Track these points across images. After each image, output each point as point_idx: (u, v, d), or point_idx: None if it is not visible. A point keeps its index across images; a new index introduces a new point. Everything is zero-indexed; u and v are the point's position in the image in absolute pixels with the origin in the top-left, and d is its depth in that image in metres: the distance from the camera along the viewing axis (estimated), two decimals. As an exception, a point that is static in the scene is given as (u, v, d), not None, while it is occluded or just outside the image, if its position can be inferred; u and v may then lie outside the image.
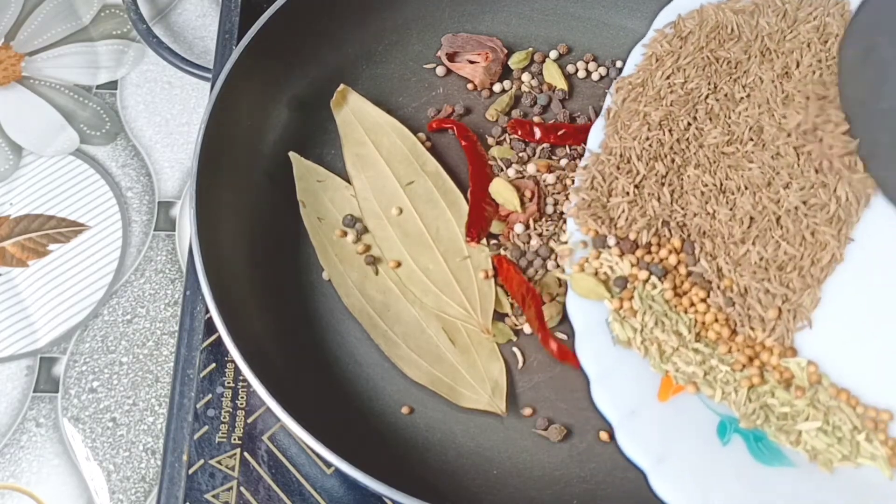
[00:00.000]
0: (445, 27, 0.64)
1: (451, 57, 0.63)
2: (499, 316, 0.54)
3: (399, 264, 0.55)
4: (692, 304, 0.50)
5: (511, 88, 0.62)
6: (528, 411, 0.52)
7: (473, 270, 0.54)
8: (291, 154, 0.58)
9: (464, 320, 0.53)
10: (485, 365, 0.52)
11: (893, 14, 0.48)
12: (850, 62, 0.50)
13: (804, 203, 0.50)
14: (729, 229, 0.51)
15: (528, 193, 0.56)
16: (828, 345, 0.48)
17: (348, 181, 0.58)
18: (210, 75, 0.64)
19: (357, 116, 0.59)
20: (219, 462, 0.50)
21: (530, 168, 0.58)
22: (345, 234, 0.56)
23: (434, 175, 0.58)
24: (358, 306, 0.54)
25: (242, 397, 0.52)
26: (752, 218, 0.51)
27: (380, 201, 0.57)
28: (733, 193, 0.52)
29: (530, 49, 0.64)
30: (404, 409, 0.52)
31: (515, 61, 0.63)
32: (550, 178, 0.57)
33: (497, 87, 0.62)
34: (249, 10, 0.64)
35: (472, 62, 0.62)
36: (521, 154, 0.59)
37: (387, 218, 0.56)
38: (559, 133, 0.59)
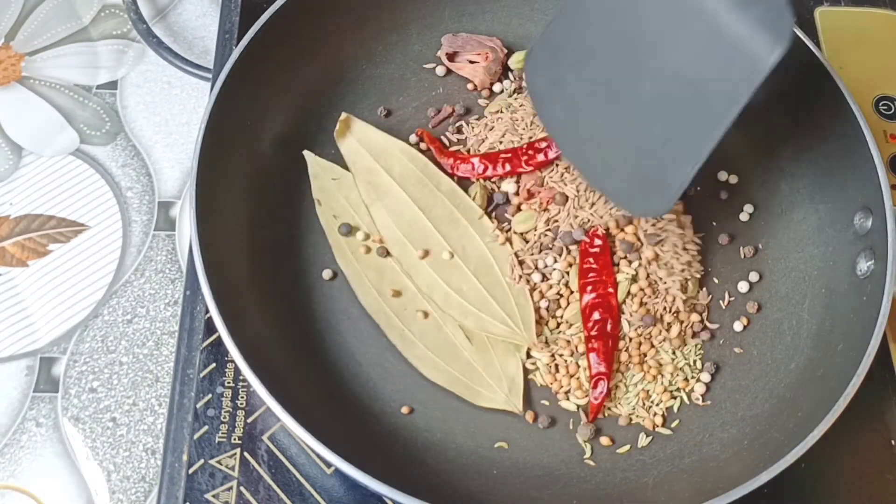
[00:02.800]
0: (445, 27, 0.64)
1: (451, 57, 0.63)
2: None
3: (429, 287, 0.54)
4: None
5: (511, 88, 0.62)
6: (530, 413, 0.52)
7: (505, 282, 0.54)
8: (306, 153, 0.58)
9: (509, 338, 0.52)
10: (501, 362, 0.52)
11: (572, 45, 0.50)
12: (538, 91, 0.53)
13: None
14: None
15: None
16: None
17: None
18: (210, 75, 0.64)
19: (364, 144, 0.59)
20: (219, 462, 0.50)
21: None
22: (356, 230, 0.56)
23: (450, 194, 0.57)
24: (374, 306, 0.54)
25: (242, 397, 0.52)
26: None
27: (401, 228, 0.56)
28: None
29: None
30: (404, 409, 0.52)
31: (515, 61, 0.63)
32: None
33: (497, 87, 0.62)
34: (249, 10, 0.64)
35: (472, 62, 0.62)
36: None
37: (411, 243, 0.55)
38: None
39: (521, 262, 0.55)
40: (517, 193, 0.58)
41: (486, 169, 0.57)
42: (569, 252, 0.55)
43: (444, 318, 0.53)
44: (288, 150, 0.58)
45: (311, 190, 0.57)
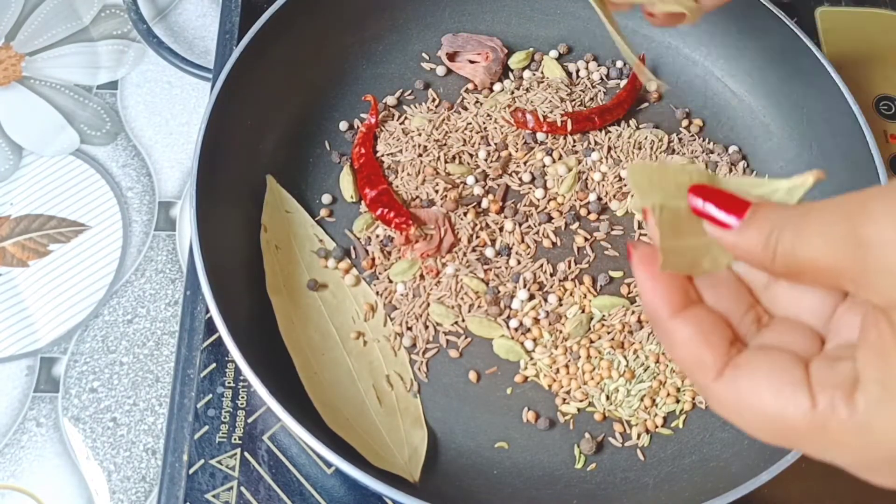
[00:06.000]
0: (445, 27, 0.64)
1: (452, 57, 0.63)
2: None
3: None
4: None
5: (511, 87, 0.62)
6: (530, 414, 0.52)
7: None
8: (269, 177, 0.57)
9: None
10: (407, 431, 0.50)
11: None
12: None
13: None
14: None
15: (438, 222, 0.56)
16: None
17: (310, 212, 0.57)
18: (210, 75, 0.64)
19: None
20: (219, 462, 0.50)
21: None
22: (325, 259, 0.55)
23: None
24: (293, 340, 0.51)
25: (242, 397, 0.52)
26: None
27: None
28: None
29: (530, 49, 0.64)
30: (404, 409, 0.52)
31: (516, 61, 0.63)
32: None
33: (497, 87, 0.62)
34: (249, 10, 0.64)
35: (472, 62, 0.62)
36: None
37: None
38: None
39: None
40: (486, 194, 0.58)
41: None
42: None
43: (361, 373, 0.52)
44: (288, 150, 0.58)
45: (262, 214, 0.55)
